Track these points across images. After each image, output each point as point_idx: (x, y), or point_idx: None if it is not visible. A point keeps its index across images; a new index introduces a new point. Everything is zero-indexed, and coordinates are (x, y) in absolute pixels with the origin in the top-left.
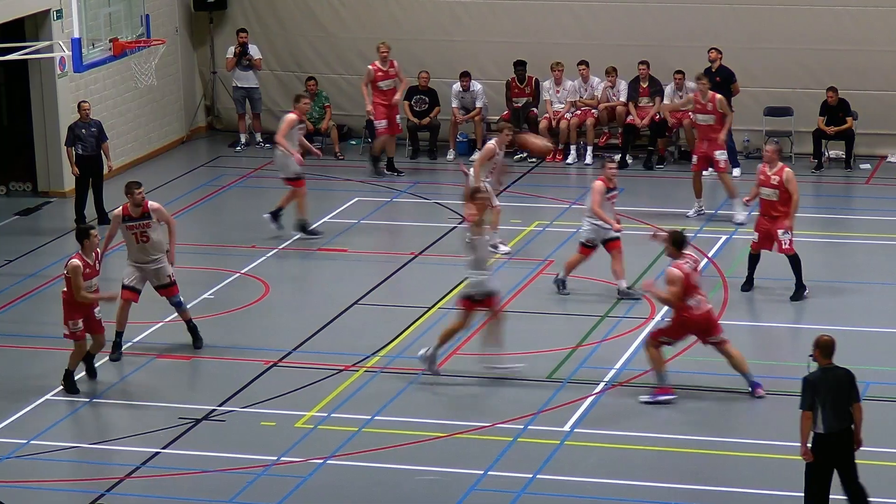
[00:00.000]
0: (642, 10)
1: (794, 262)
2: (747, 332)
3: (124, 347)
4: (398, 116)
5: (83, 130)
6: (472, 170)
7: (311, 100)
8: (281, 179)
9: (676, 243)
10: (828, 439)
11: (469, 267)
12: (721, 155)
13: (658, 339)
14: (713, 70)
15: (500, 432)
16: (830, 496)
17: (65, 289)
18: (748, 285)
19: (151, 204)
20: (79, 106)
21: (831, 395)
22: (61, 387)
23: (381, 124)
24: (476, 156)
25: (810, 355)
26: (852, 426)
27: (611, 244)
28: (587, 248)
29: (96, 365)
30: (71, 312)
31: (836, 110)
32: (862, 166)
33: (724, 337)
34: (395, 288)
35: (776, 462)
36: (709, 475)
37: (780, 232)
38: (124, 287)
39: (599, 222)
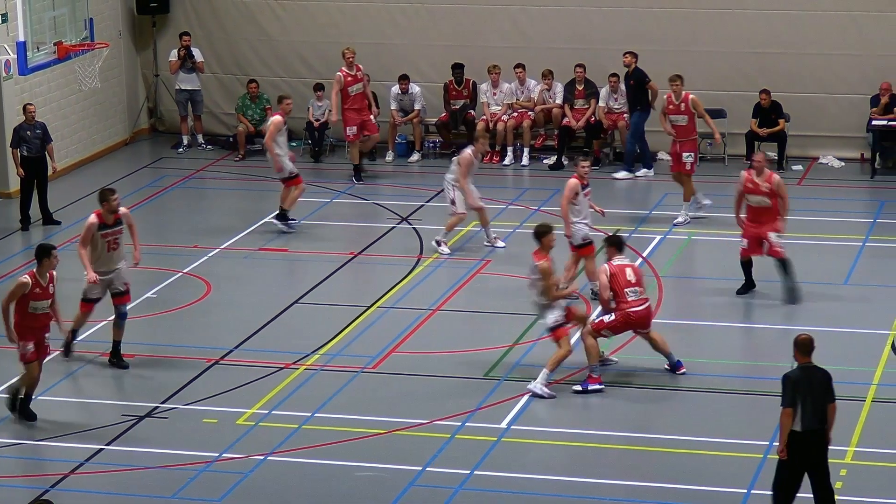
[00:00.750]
0: (578, 13)
1: (785, 264)
2: (732, 332)
3: (76, 341)
4: (372, 117)
5: (28, 132)
6: (460, 188)
7: (255, 100)
8: (280, 181)
9: (614, 244)
10: (804, 437)
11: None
12: (688, 157)
13: (599, 331)
14: (628, 74)
15: (438, 429)
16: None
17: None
18: (746, 288)
19: (121, 209)
20: (24, 108)
21: (811, 394)
22: (11, 415)
23: (351, 130)
24: (455, 167)
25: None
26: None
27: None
28: (583, 247)
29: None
30: (23, 333)
31: (768, 112)
32: (794, 167)
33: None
34: (334, 288)
35: (728, 460)
36: (646, 471)
37: (772, 235)
38: (86, 300)
39: (587, 221)
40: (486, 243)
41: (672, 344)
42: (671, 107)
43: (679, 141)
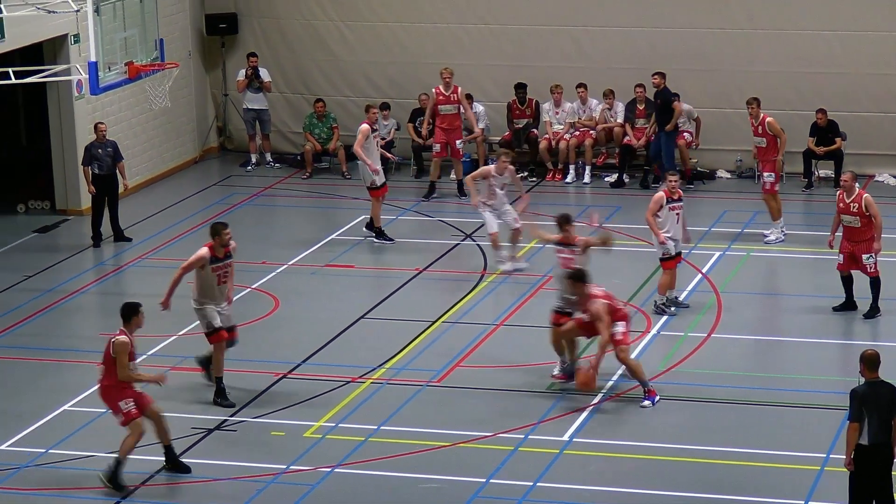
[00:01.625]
0: (639, 34)
1: (875, 283)
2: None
3: (140, 360)
4: (458, 142)
5: (99, 150)
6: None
7: (321, 117)
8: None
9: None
10: (871, 451)
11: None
12: (769, 177)
13: (627, 345)
14: (656, 94)
15: (501, 442)
16: None
17: (100, 377)
18: (844, 307)
19: (231, 244)
20: (95, 127)
21: (877, 409)
22: (106, 485)
23: (435, 148)
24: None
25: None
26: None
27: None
28: (666, 260)
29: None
30: (120, 394)
31: (825, 131)
32: None
33: None
34: (400, 303)
35: (786, 472)
36: (707, 483)
37: (864, 256)
38: (217, 329)
39: (670, 234)
40: (505, 260)
41: (735, 357)
42: (753, 129)
43: (760, 162)
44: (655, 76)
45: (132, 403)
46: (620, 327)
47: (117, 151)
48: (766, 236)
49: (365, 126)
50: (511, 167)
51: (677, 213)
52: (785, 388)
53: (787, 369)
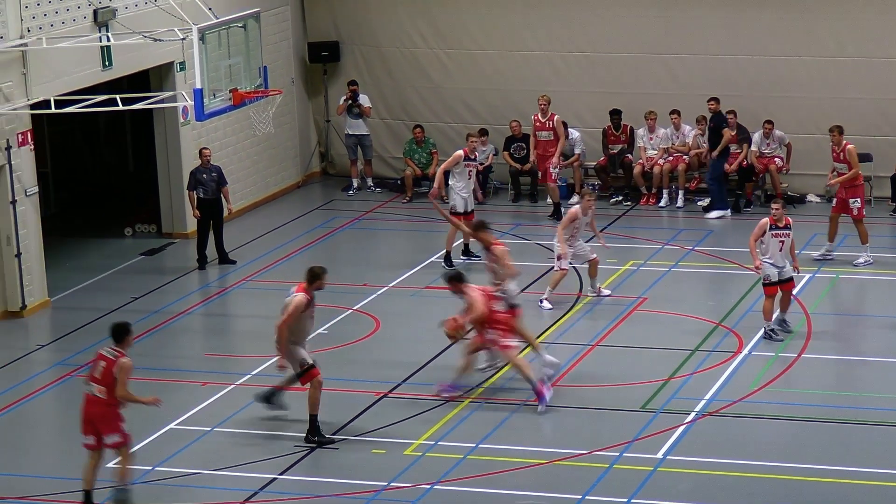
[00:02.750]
0: (731, 61)
1: None
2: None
3: (244, 378)
4: (553, 168)
5: (204, 175)
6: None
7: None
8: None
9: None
10: None
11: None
12: (854, 203)
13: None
14: (710, 118)
15: (597, 459)
16: None
17: (100, 396)
18: None
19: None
20: (200, 152)
21: None
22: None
23: (541, 174)
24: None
25: None
26: None
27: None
28: (768, 286)
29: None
30: (118, 416)
31: None
32: None
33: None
34: None
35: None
36: (797, 499)
37: None
38: (311, 367)
39: (772, 260)
40: (590, 292)
41: (825, 377)
42: (834, 154)
43: (845, 187)
44: (711, 101)
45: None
46: (496, 335)
47: (222, 176)
48: (828, 254)
49: (459, 152)
50: (593, 207)
51: (781, 241)
52: (874, 406)
53: (877, 388)
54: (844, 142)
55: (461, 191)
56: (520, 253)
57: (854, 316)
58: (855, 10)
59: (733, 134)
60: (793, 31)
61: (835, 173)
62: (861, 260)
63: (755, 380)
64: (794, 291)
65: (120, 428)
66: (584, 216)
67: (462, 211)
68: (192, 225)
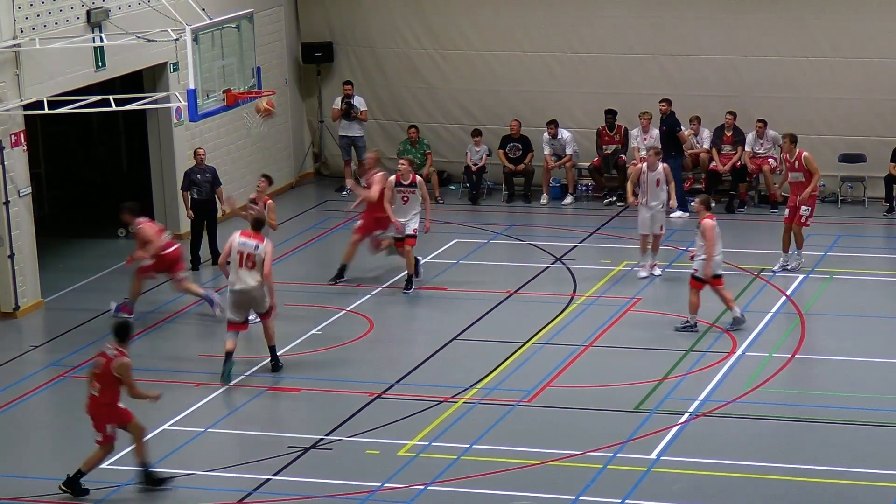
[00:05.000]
0: (725, 62)
1: None
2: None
3: (234, 381)
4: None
5: (198, 176)
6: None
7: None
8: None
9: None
10: None
11: None
12: (805, 210)
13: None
14: (662, 120)
15: (590, 460)
16: None
17: (95, 393)
18: None
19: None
20: (194, 153)
21: None
22: (64, 491)
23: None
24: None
25: None
26: None
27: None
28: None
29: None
30: (111, 414)
31: None
32: None
33: None
34: (491, 325)
35: (870, 489)
36: (791, 500)
37: None
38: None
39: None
40: (644, 270)
41: (818, 377)
42: (787, 163)
43: (797, 195)
44: (662, 103)
45: (114, 430)
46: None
47: (216, 177)
48: (785, 264)
49: (391, 178)
50: (666, 165)
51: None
52: (867, 406)
53: (870, 389)
54: (798, 150)
55: (397, 215)
56: (513, 253)
57: (848, 316)
58: (849, 11)
59: (686, 133)
60: (787, 32)
61: (787, 184)
62: (789, 265)
63: (749, 380)
64: (788, 291)
65: (106, 430)
66: (647, 171)
67: (398, 236)
68: (185, 226)
